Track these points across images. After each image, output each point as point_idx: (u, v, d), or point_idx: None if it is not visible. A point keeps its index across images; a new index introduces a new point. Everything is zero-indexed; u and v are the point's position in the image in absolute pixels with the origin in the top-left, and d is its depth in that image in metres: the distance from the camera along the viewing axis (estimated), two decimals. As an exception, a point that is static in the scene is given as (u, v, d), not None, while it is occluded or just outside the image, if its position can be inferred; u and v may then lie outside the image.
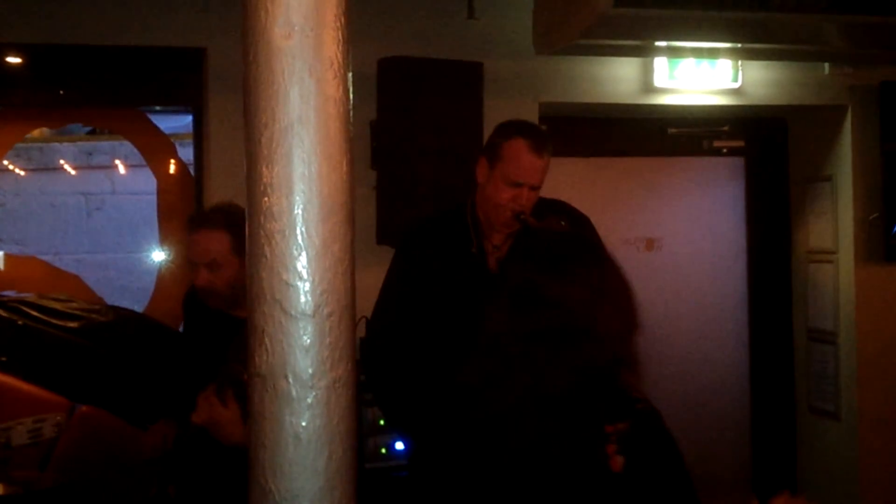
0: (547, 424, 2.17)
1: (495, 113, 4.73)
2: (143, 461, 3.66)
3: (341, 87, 1.93)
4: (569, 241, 2.42)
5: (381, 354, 3.48)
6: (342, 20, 1.92)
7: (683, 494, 2.25)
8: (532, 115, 5.02)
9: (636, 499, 2.18)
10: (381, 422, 4.37)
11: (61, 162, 10.10)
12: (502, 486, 2.22)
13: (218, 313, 3.61)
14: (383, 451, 4.40)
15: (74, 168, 10.12)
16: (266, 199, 1.89)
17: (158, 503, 3.55)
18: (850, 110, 5.71)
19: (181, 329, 3.93)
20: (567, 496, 2.16)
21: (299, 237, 1.88)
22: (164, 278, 6.37)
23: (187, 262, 3.56)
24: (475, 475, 2.27)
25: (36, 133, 9.36)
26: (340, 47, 1.92)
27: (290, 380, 1.88)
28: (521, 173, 3.30)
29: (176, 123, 7.78)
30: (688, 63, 5.39)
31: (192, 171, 5.89)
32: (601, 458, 2.16)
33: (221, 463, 2.99)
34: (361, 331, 3.73)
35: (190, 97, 5.33)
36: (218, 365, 3.42)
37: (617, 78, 5.38)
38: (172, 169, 6.58)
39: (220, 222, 3.51)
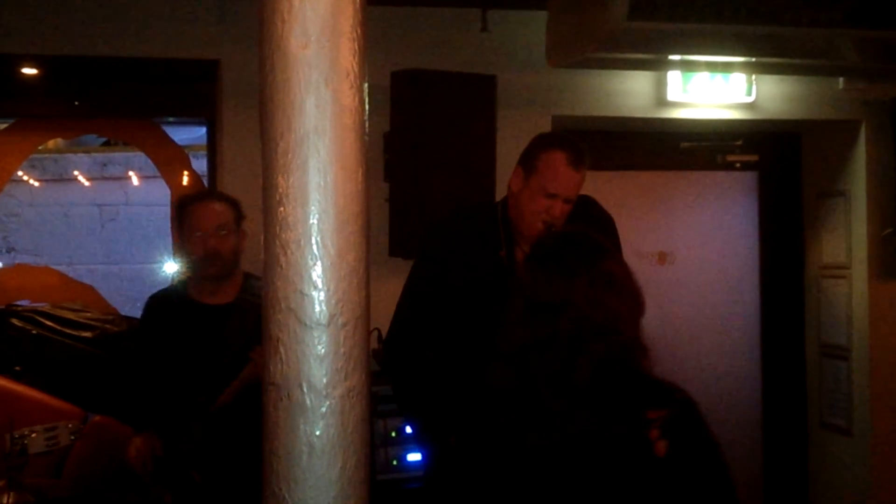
0: (582, 417, 2.19)
1: (508, 126, 4.74)
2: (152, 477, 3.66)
3: (357, 98, 1.94)
4: (571, 239, 2.43)
5: (402, 353, 3.47)
6: (358, 31, 1.93)
7: (722, 481, 2.28)
8: (545, 129, 5.01)
9: (679, 483, 2.20)
10: (393, 433, 4.36)
11: (75, 173, 10.15)
12: (540, 487, 2.22)
13: (195, 305, 3.68)
14: (395, 462, 4.39)
15: (88, 179, 10.17)
16: (282, 208, 1.90)
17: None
18: (864, 125, 5.69)
19: (139, 332, 3.97)
20: (612, 482, 2.19)
21: (314, 247, 1.89)
22: (176, 289, 6.38)
23: (190, 233, 3.63)
24: (502, 482, 2.27)
25: (51, 144, 9.41)
26: (356, 58, 1.93)
27: (305, 389, 1.88)
28: (556, 185, 3.28)
29: (190, 135, 7.81)
30: (701, 77, 5.39)
31: (205, 183, 5.90)
32: (645, 444, 2.18)
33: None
34: (374, 342, 3.73)
35: (204, 108, 5.34)
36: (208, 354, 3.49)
37: (630, 91, 5.38)
38: (186, 180, 6.61)
39: (221, 196, 3.77)
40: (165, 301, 3.85)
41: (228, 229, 3.64)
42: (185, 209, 3.73)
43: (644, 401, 2.23)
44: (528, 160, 3.37)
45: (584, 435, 2.18)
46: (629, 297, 2.29)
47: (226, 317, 3.62)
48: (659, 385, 2.28)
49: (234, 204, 3.71)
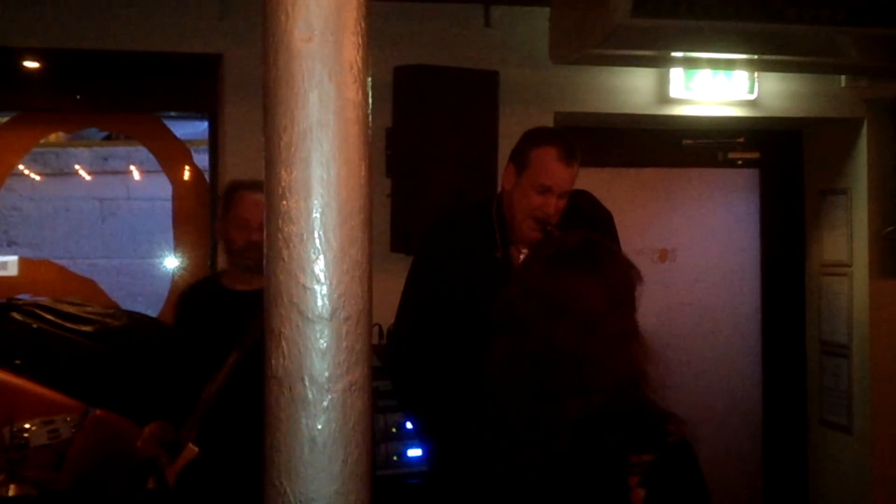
0: (561, 450, 2.01)
1: (511, 122, 4.74)
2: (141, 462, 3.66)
3: (360, 92, 1.93)
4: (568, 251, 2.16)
5: (405, 355, 3.45)
6: (362, 24, 1.92)
7: None
8: (547, 125, 5.01)
9: None
10: (394, 429, 4.37)
11: (76, 167, 10.13)
12: None
13: (226, 293, 3.71)
14: (395, 457, 4.39)
15: (90, 173, 10.16)
16: (284, 202, 1.89)
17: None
18: (865, 123, 5.69)
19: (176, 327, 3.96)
20: None
21: (317, 240, 1.88)
22: (177, 284, 6.37)
23: (237, 221, 3.63)
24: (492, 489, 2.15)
25: (52, 138, 9.38)
26: (360, 52, 1.92)
27: (307, 383, 1.88)
28: (549, 181, 3.24)
29: (192, 129, 7.79)
30: (704, 74, 5.39)
31: (207, 178, 5.90)
32: (621, 490, 1.99)
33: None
34: (375, 338, 3.73)
35: (206, 103, 5.35)
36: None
37: (633, 88, 5.38)
38: (187, 175, 6.59)
39: None
40: (200, 291, 3.86)
41: None
42: (234, 195, 3.70)
43: (628, 444, 2.00)
44: (520, 157, 3.34)
45: (556, 469, 2.00)
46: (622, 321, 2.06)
47: (257, 301, 3.62)
48: (652, 426, 2.04)
49: None
